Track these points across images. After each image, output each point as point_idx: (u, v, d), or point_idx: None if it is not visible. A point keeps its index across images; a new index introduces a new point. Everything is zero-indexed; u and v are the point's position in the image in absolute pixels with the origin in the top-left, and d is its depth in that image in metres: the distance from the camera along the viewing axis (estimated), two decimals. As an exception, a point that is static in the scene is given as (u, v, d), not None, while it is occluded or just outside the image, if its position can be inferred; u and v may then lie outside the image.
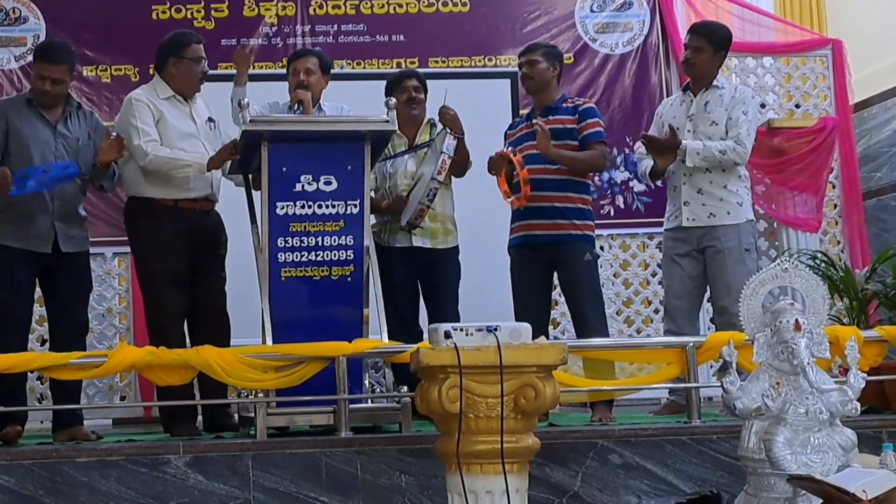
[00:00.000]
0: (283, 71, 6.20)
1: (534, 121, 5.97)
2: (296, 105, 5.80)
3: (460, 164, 5.99)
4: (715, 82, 6.20)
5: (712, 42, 6.19)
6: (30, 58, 7.28)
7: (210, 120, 5.90)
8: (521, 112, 7.07)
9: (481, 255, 6.38)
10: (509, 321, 4.20)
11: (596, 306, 6.02)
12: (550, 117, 5.97)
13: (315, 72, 5.97)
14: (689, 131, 6.11)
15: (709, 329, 6.98)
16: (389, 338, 5.49)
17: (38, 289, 5.73)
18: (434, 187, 5.81)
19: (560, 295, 6.32)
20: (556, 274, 6.08)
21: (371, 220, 5.89)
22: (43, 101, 5.58)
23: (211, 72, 5.98)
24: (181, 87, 5.78)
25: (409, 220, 5.91)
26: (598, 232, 6.34)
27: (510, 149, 6.03)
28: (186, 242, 5.67)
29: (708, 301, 6.67)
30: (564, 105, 6.05)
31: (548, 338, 6.03)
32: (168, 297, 5.62)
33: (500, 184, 5.99)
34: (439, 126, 6.01)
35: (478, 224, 6.32)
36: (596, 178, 7.56)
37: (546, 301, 6.11)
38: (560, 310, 6.74)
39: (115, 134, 5.59)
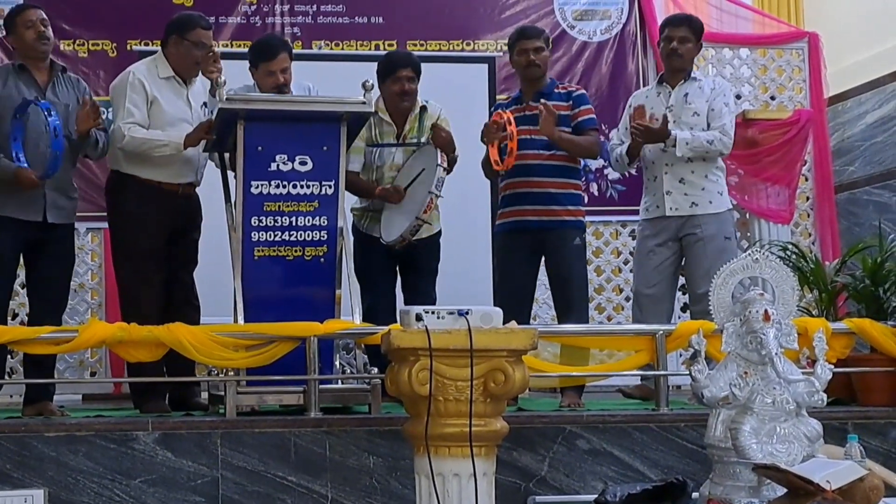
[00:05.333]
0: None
1: (538, 103, 5.86)
2: None
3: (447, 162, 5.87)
4: (692, 74, 6.25)
5: (695, 32, 6.24)
6: (7, 31, 7.26)
7: (205, 105, 5.78)
8: (499, 97, 7.06)
9: (460, 239, 6.36)
10: (486, 305, 4.19)
11: (581, 292, 6.03)
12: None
13: (289, 66, 5.80)
14: (670, 122, 6.12)
15: (679, 318, 7.01)
16: (366, 321, 5.48)
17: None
18: (417, 225, 5.70)
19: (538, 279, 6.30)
20: (543, 259, 6.06)
21: (353, 201, 5.86)
22: (39, 50, 5.52)
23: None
24: (178, 67, 5.71)
25: (393, 241, 5.79)
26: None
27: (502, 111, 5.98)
28: (166, 222, 5.64)
29: (681, 290, 6.71)
30: (557, 91, 6.03)
31: (529, 322, 6.04)
32: (144, 274, 5.59)
33: (491, 153, 5.93)
34: (429, 112, 5.94)
35: (457, 208, 6.29)
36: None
37: (531, 286, 6.09)
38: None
39: (89, 101, 5.53)
